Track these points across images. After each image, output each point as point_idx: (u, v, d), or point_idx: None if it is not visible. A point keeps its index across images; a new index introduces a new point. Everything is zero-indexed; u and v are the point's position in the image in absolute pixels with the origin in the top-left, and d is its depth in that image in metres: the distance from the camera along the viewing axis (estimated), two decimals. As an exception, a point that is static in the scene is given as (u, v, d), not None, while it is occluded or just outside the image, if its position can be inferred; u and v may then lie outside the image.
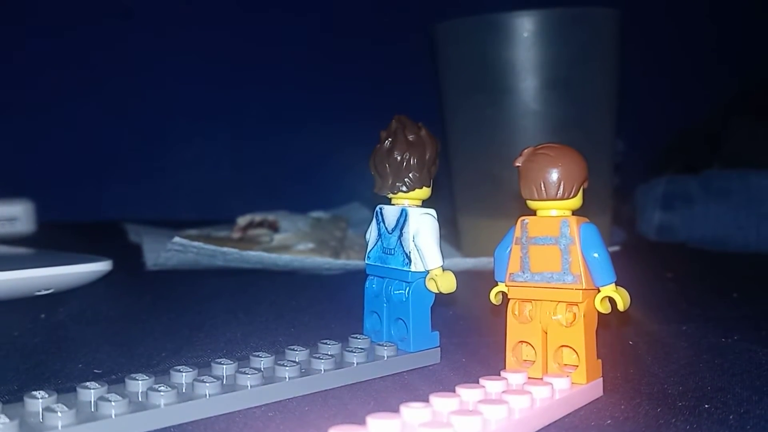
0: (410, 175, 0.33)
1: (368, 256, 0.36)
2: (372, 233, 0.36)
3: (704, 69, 1.00)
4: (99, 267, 0.46)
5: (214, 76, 0.99)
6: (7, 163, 0.94)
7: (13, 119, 0.95)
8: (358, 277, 0.38)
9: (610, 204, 0.66)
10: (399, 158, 0.33)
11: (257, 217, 0.67)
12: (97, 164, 0.99)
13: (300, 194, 1.02)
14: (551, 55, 0.61)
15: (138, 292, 0.50)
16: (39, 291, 0.45)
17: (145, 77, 0.98)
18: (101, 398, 0.26)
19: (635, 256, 0.64)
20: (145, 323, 0.42)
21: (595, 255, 0.30)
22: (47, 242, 0.76)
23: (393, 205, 0.35)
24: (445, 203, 0.68)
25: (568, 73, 0.61)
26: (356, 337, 0.34)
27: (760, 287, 0.54)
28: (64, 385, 0.31)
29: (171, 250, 0.50)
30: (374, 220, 0.35)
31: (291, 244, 0.61)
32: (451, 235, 0.68)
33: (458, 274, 0.34)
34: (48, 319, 0.43)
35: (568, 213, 0.31)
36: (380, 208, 0.35)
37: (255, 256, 0.52)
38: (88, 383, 0.27)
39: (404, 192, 0.34)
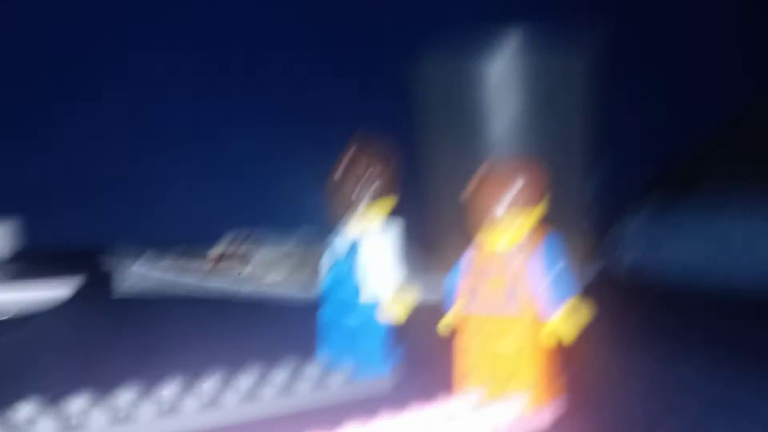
0: (362, 204, 0.34)
1: (321, 285, 0.36)
2: (325, 261, 0.36)
3: (685, 100, 1.00)
4: (57, 293, 0.46)
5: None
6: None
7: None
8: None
9: (582, 242, 0.66)
10: (350, 193, 0.34)
11: (229, 249, 0.67)
12: (79, 189, 0.98)
13: (288, 211, 1.00)
14: (524, 93, 0.61)
15: (96, 322, 0.50)
16: (-2, 316, 0.45)
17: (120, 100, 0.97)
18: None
19: (602, 296, 0.64)
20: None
21: (546, 278, 0.30)
22: (19, 267, 0.76)
23: (346, 232, 0.35)
24: (426, 226, 0.67)
25: (542, 114, 0.62)
26: (308, 365, 0.34)
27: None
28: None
29: (134, 277, 0.50)
30: (327, 248, 0.36)
31: (259, 276, 0.61)
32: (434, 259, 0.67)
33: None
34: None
35: (519, 236, 0.31)
36: (332, 236, 0.35)
37: (216, 287, 0.52)
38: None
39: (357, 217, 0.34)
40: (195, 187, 0.99)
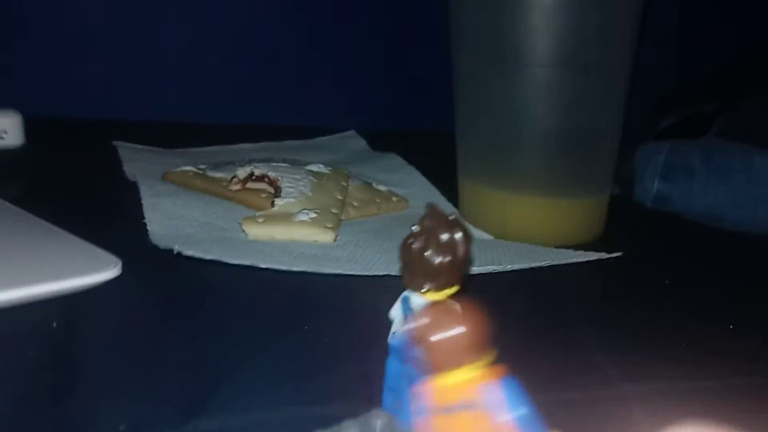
0: (441, 277, 0.33)
1: (392, 337, 0.36)
2: (397, 315, 0.36)
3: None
4: (108, 275, 0.46)
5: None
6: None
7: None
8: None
9: (611, 183, 0.66)
10: (430, 261, 0.33)
11: (257, 171, 0.66)
12: (79, 56, 0.95)
13: (294, 100, 1.00)
14: (569, 30, 0.59)
15: (147, 298, 0.49)
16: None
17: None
18: None
19: (629, 234, 0.65)
20: (161, 350, 0.42)
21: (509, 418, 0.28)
22: (37, 162, 0.76)
23: (419, 296, 0.35)
24: (448, 158, 0.67)
25: (585, 52, 0.60)
26: (377, 416, 0.35)
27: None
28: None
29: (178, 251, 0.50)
30: (400, 303, 0.36)
31: (293, 212, 0.60)
32: (451, 190, 0.68)
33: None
34: (58, 332, 0.43)
35: (478, 378, 0.29)
36: (406, 297, 0.35)
37: (269, 260, 0.52)
38: None
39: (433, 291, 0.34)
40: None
